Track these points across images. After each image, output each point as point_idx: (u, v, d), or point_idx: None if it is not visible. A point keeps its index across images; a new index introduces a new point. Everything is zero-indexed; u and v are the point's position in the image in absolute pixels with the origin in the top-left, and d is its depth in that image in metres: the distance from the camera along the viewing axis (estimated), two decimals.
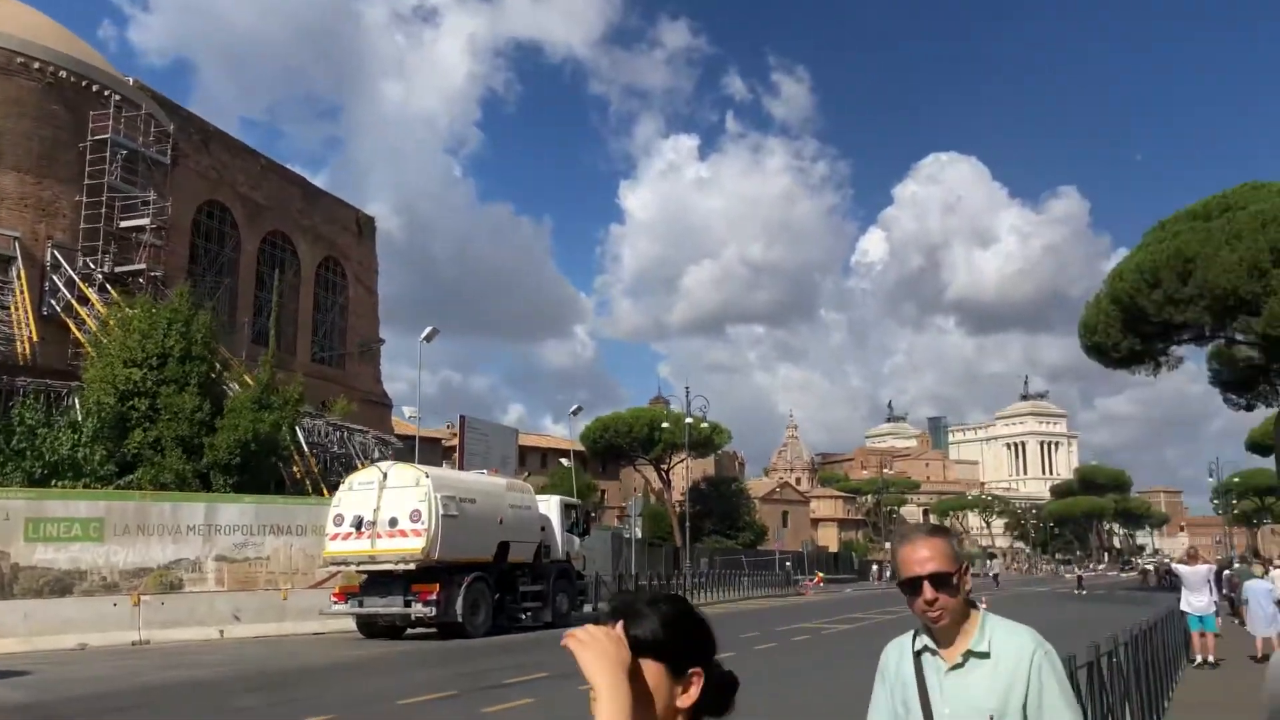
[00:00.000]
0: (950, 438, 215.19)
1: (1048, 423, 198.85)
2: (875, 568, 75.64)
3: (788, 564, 53.47)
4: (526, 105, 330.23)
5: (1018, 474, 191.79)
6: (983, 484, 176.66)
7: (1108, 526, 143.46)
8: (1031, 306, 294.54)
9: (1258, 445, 69.80)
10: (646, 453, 76.90)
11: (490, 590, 22.07)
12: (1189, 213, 32.41)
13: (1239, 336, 35.09)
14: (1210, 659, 15.30)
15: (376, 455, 33.89)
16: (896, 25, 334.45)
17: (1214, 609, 15.94)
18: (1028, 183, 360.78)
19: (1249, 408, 42.88)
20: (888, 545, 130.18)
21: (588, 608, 27.34)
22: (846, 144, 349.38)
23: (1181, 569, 16.79)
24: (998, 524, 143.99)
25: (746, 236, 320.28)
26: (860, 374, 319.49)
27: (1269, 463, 70.71)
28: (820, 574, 52.89)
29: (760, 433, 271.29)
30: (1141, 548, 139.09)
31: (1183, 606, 15.88)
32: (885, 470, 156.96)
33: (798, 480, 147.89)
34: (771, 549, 60.29)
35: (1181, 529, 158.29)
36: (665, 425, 74.00)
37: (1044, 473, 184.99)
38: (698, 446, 76.82)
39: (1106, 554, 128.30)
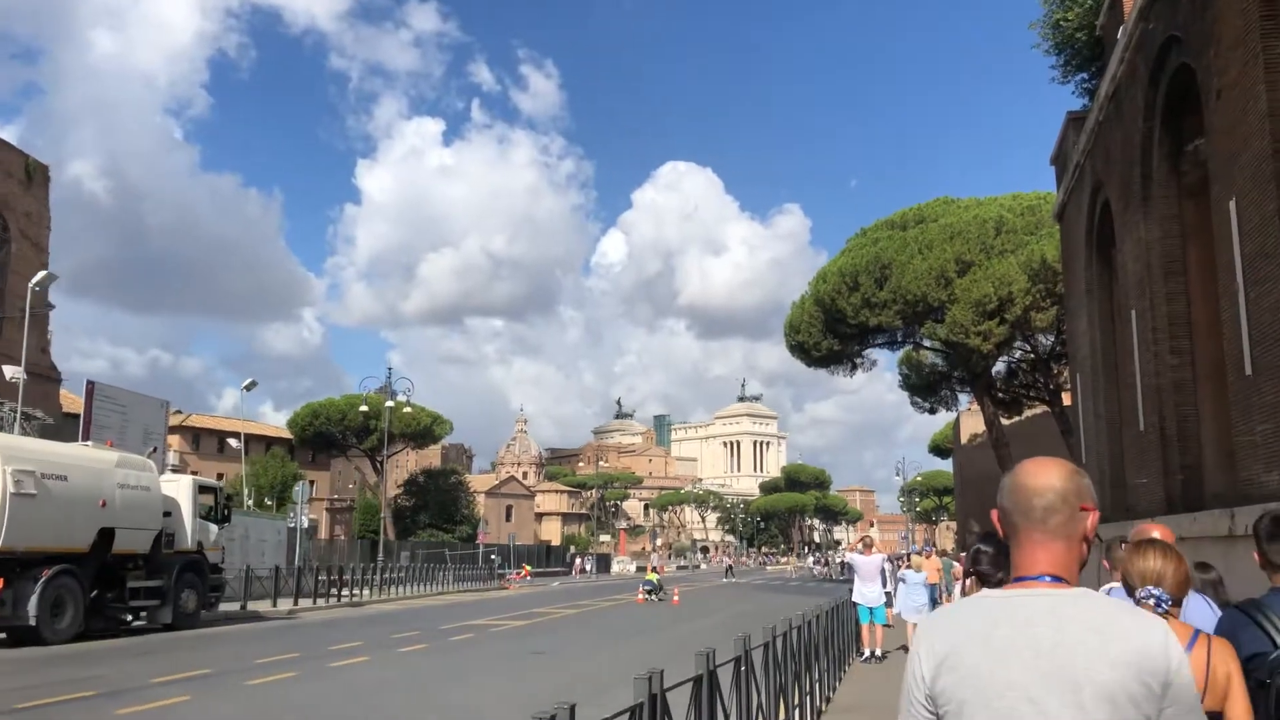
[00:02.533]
0: (673, 435, 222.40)
1: (761, 423, 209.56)
2: (577, 560, 75.59)
3: (494, 557, 52.01)
4: (261, 73, 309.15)
5: (733, 471, 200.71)
6: (700, 480, 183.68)
7: (809, 522, 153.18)
8: (756, 314, 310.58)
9: (938, 449, 76.44)
10: (361, 442, 73.16)
11: (82, 586, 18.77)
12: (888, 222, 34.15)
13: (926, 342, 37.37)
14: (878, 652, 15.29)
15: (18, 432, 29.22)
16: (643, 29, 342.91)
17: (883, 600, 15.87)
18: (757, 197, 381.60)
19: (932, 411, 46.10)
20: (605, 539, 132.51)
21: (228, 606, 24.53)
22: (592, 144, 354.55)
23: (855, 558, 16.75)
24: (711, 518, 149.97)
25: (489, 228, 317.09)
26: (594, 371, 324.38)
27: (948, 465, 78.00)
28: (527, 567, 51.72)
29: (493, 427, 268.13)
30: (838, 542, 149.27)
31: (854, 598, 15.75)
32: (602, 464, 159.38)
33: (524, 474, 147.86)
34: (480, 543, 58.63)
35: (872, 524, 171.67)
36: (377, 413, 70.80)
37: (756, 470, 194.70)
38: (416, 438, 74.01)
39: (808, 547, 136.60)
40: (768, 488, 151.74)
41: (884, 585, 16.16)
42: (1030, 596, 1.80)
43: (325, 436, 71.42)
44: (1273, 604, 2.93)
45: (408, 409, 73.84)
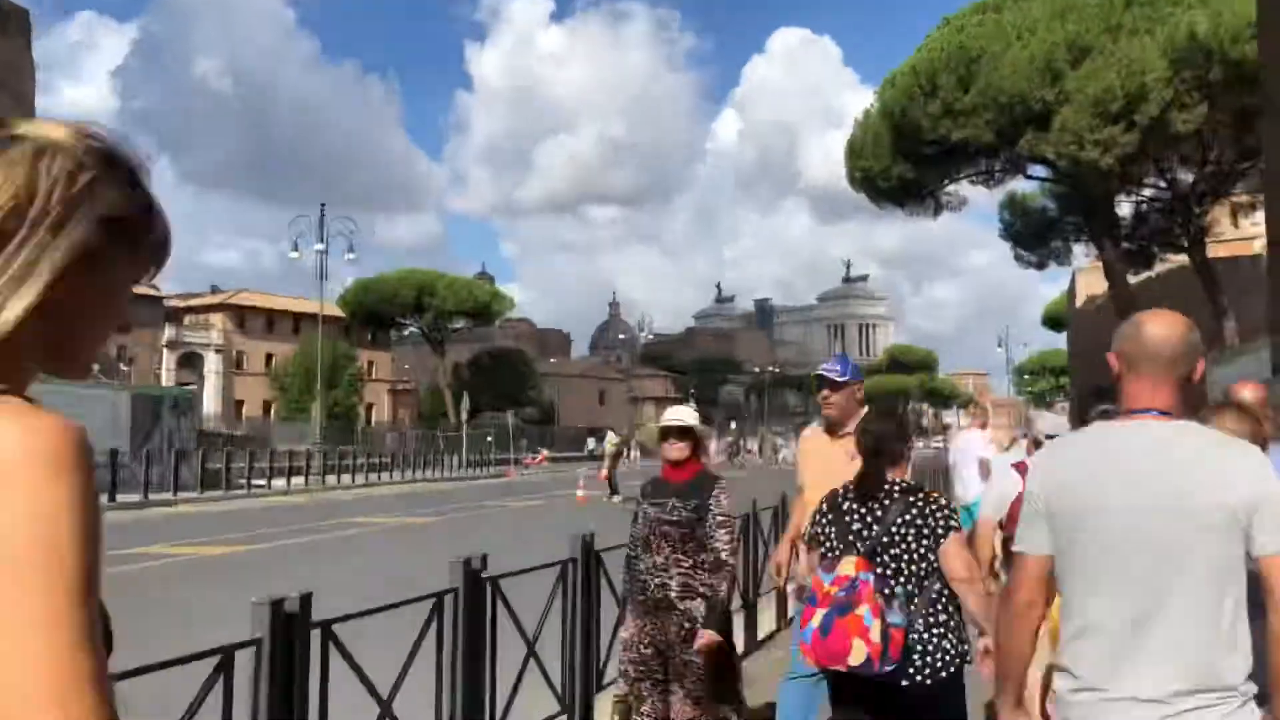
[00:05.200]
0: (777, 319, 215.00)
1: (868, 304, 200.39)
2: (592, 441, 66.70)
3: (489, 439, 46.18)
4: None
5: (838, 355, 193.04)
6: (807, 365, 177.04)
7: (915, 406, 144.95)
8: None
9: (1053, 320, 67.40)
10: (417, 320, 68.58)
11: None
12: (978, 5, 26.02)
13: (1032, 170, 29.44)
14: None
15: None
16: None
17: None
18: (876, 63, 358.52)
19: (1040, 265, 37.99)
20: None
21: None
22: (698, 14, 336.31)
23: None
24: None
25: (604, 112, 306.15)
26: (707, 258, 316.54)
27: (1065, 340, 68.75)
28: (545, 452, 45.12)
29: (602, 315, 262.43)
30: (947, 427, 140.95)
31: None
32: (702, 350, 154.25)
33: (617, 359, 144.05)
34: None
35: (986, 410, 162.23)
36: (432, 289, 65.77)
37: (862, 354, 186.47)
38: (474, 315, 68.96)
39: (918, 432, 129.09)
40: (870, 370, 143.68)
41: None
42: (1141, 427, 2.00)
43: (377, 315, 66.93)
44: None
45: (463, 285, 69.07)
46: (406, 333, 72.95)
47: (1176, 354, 2.02)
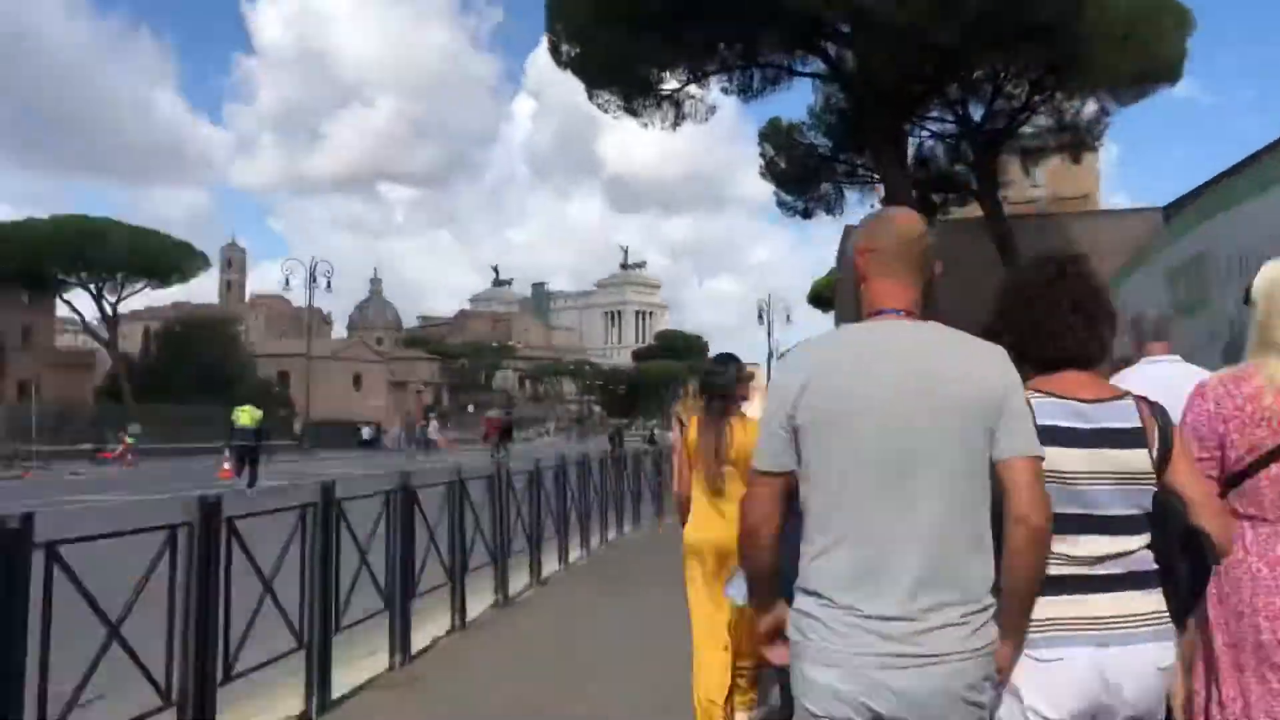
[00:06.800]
0: (552, 305, 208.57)
1: (644, 292, 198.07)
2: (368, 432, 59.01)
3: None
4: None
5: (612, 342, 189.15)
6: (583, 351, 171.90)
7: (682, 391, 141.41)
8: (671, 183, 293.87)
9: (820, 298, 61.79)
10: (77, 276, 55.47)
11: None
12: None
13: (800, 66, 22.22)
14: None
15: None
16: None
17: None
18: None
19: (806, 213, 31.25)
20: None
21: None
22: None
23: None
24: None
25: (397, 86, 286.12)
26: (495, 243, 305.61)
27: (829, 321, 63.16)
28: (128, 440, 32.30)
29: (393, 297, 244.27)
30: None
31: None
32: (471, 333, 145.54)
33: (379, 340, 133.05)
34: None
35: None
36: (97, 235, 52.86)
37: (637, 340, 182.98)
38: (155, 274, 56.51)
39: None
40: (640, 355, 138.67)
41: None
42: (893, 326, 1.97)
43: (21, 270, 53.09)
44: None
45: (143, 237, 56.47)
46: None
47: (927, 250, 2.03)
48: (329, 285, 49.99)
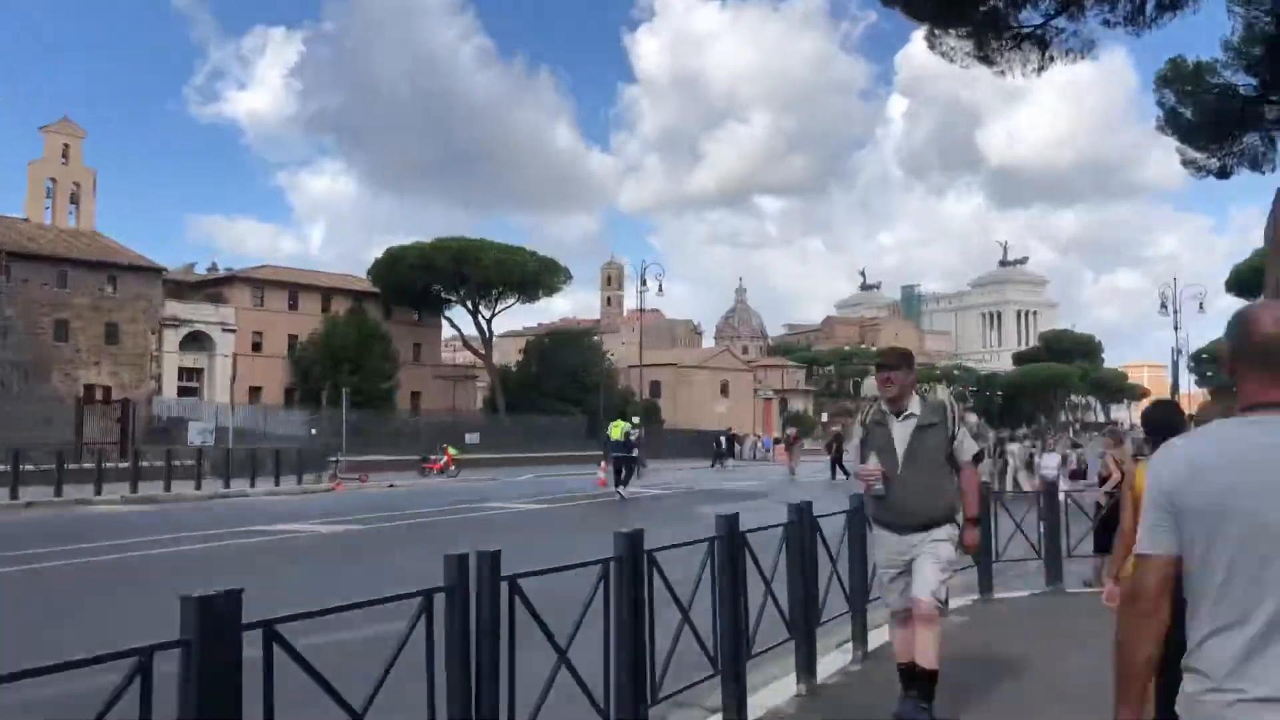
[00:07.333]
0: (924, 307, 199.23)
1: (1027, 290, 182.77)
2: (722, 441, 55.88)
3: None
4: None
5: (992, 345, 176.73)
6: (956, 355, 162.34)
7: (1078, 399, 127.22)
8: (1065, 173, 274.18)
9: (1243, 284, 51.64)
10: (456, 294, 59.53)
11: None
12: None
13: None
14: None
15: None
16: None
17: None
18: None
19: (1222, 173, 24.93)
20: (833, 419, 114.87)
21: None
22: None
23: None
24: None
25: (769, 100, 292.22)
26: (867, 248, 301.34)
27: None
28: (451, 452, 33.41)
29: (764, 307, 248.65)
30: (1114, 423, 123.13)
31: None
32: (849, 342, 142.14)
33: (744, 349, 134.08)
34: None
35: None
36: (472, 257, 56.21)
37: (1021, 344, 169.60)
38: (520, 288, 59.36)
39: (1073, 429, 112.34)
40: (1022, 359, 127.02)
41: None
42: (1275, 422, 1.93)
43: (411, 288, 57.89)
44: None
45: (508, 254, 59.45)
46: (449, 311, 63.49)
47: None
48: (658, 288, 49.16)
